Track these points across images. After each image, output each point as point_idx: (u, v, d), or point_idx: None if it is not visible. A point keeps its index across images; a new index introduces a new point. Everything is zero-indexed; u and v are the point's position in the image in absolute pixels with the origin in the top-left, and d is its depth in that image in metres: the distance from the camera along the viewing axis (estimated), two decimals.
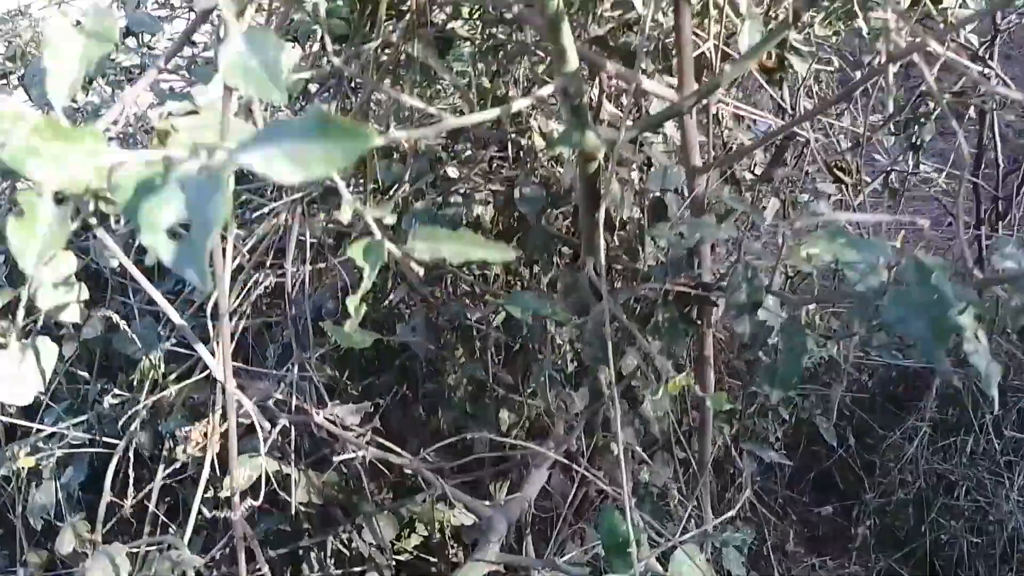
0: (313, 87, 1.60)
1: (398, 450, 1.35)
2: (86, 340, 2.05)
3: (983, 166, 2.67)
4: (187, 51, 1.96)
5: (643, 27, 1.03)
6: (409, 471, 1.54)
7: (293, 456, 1.47)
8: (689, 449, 1.66)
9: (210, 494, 1.42)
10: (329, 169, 0.45)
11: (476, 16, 1.37)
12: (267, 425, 1.48)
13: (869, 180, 2.12)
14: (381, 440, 1.36)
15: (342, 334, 1.48)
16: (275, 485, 1.48)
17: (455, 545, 1.90)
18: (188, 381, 1.46)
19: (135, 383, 1.68)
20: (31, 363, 1.19)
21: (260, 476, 1.43)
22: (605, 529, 1.10)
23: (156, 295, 1.02)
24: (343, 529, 1.65)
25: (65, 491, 1.86)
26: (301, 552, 1.69)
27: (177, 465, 1.51)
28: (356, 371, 1.76)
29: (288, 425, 1.47)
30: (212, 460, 1.41)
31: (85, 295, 1.27)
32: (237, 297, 1.45)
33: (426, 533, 1.87)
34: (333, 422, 1.41)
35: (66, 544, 1.24)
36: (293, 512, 1.48)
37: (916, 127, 1.78)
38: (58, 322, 2.13)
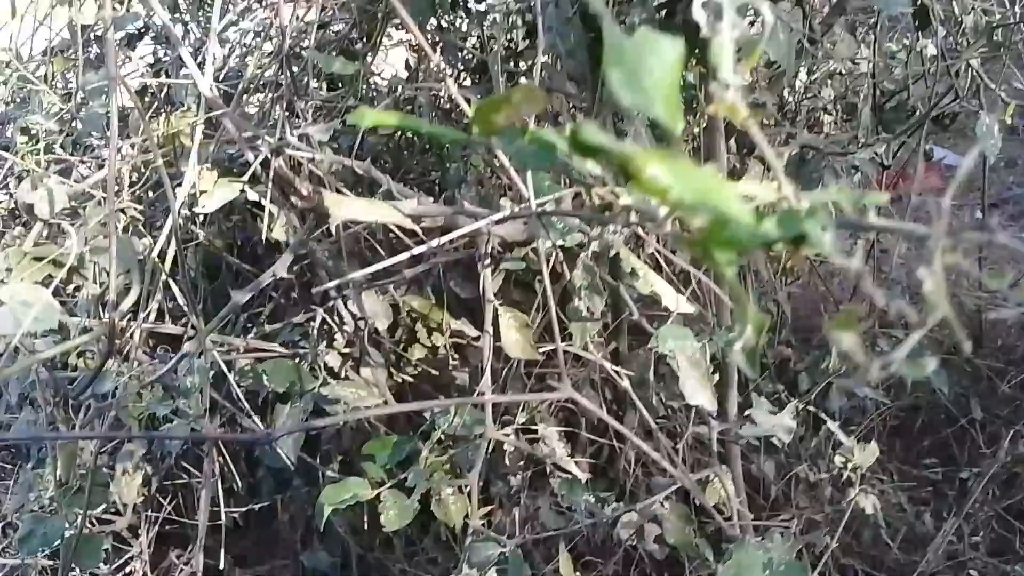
0: None
1: (345, 159, 1.30)
2: None
3: None
4: None
5: None
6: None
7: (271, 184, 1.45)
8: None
9: None
10: None
11: None
12: (251, 156, 1.49)
13: None
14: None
15: (326, 60, 1.49)
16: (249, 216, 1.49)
17: (456, 357, 1.82)
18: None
19: None
20: None
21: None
22: None
23: None
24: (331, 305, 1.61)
25: None
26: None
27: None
28: None
29: (268, 156, 1.46)
30: None
31: None
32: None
33: (429, 344, 1.80)
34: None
35: (24, 191, 1.29)
36: (264, 238, 1.46)
37: None
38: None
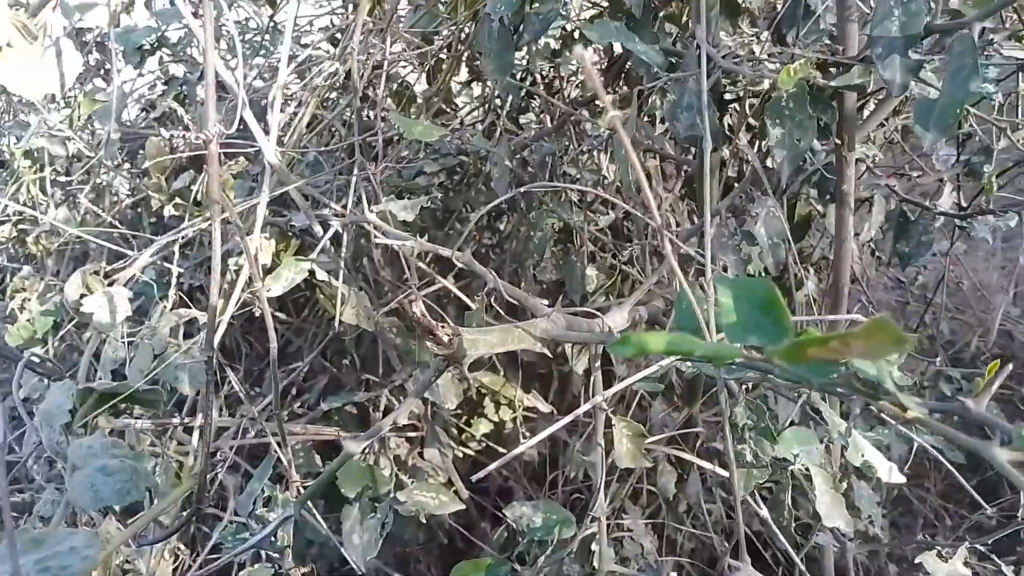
0: None
1: (441, 248, 1.14)
2: None
3: None
4: None
5: None
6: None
7: (343, 265, 1.29)
8: None
9: None
10: None
11: None
12: (319, 229, 1.32)
13: None
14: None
15: (408, 124, 1.31)
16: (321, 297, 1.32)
17: (529, 435, 1.66)
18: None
19: None
20: (51, 63, 1.09)
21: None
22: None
23: None
24: (393, 381, 1.45)
25: None
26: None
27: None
28: None
29: (340, 230, 1.29)
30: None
31: None
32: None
33: (495, 419, 1.64)
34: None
35: (73, 289, 1.11)
36: (337, 328, 1.30)
37: None
38: None
